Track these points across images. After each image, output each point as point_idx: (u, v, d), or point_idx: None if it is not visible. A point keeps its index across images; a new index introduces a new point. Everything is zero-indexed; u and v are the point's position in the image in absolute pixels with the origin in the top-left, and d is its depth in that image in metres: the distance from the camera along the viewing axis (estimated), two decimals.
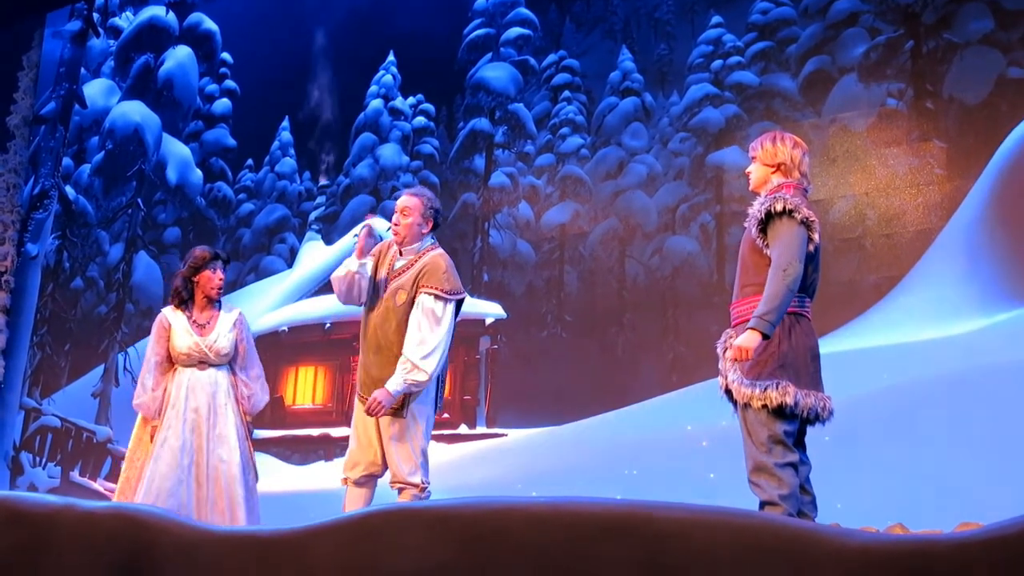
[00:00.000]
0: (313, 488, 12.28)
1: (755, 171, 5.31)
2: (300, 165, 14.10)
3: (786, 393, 4.86)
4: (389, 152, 13.16)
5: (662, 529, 2.70)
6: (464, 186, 12.27)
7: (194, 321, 6.91)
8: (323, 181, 13.85)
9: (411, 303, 5.89)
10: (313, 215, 13.76)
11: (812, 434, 5.25)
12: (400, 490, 5.94)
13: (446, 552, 2.86)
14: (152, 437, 6.77)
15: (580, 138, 11.54)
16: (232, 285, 14.32)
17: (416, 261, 6.01)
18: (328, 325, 12.66)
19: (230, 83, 15.17)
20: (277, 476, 13.16)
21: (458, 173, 12.38)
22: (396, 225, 6.06)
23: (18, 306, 16.04)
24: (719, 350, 5.24)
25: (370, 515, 3.10)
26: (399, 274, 6.01)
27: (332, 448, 12.78)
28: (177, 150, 15.26)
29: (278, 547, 3.20)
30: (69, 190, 16.09)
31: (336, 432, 12.76)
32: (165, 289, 14.87)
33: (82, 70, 16.42)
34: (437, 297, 5.87)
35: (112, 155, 15.76)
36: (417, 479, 5.89)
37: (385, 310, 5.99)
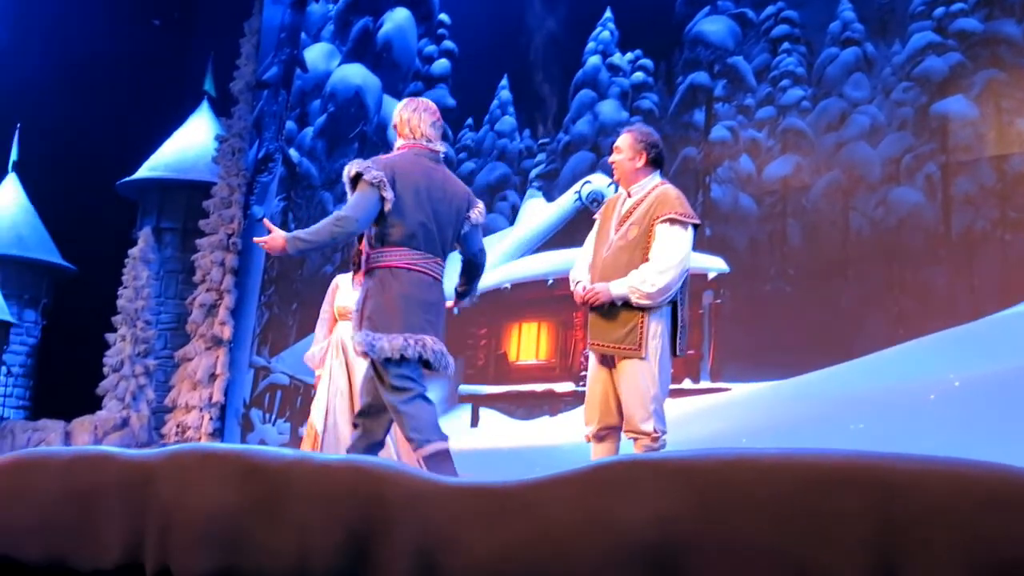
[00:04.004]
0: (538, 443, 13.12)
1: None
2: (519, 123, 14.97)
3: (376, 340, 5.73)
4: (608, 108, 13.86)
5: (896, 480, 2.76)
6: (684, 140, 12.87)
7: (357, 280, 7.89)
8: (543, 139, 14.69)
9: (645, 236, 6.02)
10: (534, 172, 14.65)
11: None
12: (634, 439, 6.02)
13: (679, 504, 2.99)
14: (315, 386, 7.88)
15: (801, 90, 11.98)
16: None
17: (645, 198, 6.14)
18: (551, 281, 13.37)
19: (448, 44, 16.19)
20: (502, 431, 14.08)
21: (678, 128, 12.97)
22: (612, 163, 6.34)
23: (246, 267, 17.36)
24: None
25: (602, 467, 3.26)
26: (629, 214, 6.15)
27: (556, 404, 13.61)
28: None
29: (511, 499, 3.35)
30: (293, 153, 17.39)
31: (560, 388, 13.61)
32: None
33: (302, 35, 17.62)
34: (673, 221, 5.98)
35: (334, 118, 17.01)
36: (649, 427, 5.93)
37: (616, 250, 6.11)
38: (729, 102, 12.60)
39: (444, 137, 6.34)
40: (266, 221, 6.11)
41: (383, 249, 5.87)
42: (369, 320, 5.80)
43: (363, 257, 5.94)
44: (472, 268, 6.44)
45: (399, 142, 6.10)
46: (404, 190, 5.81)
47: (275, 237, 5.71)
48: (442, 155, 6.18)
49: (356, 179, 5.83)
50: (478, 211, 6.23)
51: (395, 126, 6.16)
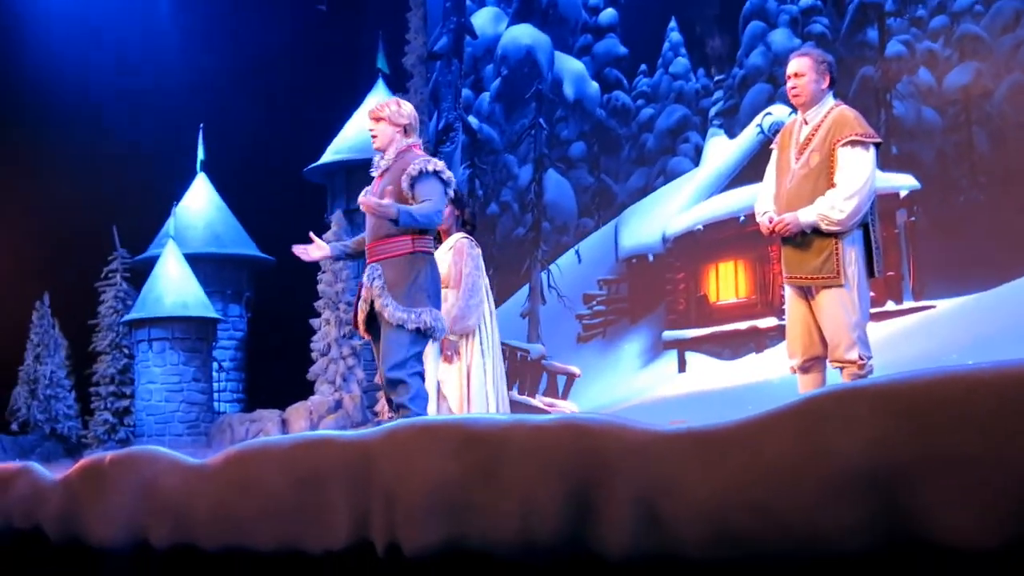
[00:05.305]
0: (747, 381, 13.80)
1: (381, 129, 6.84)
2: (692, 63, 15.71)
3: (428, 317, 6.61)
4: (780, 37, 14.49)
5: None
6: (860, 60, 13.41)
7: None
8: (718, 76, 15.38)
9: (827, 162, 6.18)
10: (713, 111, 15.40)
11: None
12: (841, 368, 6.24)
13: (894, 428, 3.09)
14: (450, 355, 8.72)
15: None
16: (643, 191, 16.16)
17: (822, 123, 6.26)
18: (742, 218, 13.96)
19: None
20: (710, 373, 14.84)
21: (852, 48, 13.52)
22: (793, 89, 6.39)
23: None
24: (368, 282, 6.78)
25: (812, 399, 3.36)
26: (808, 141, 6.28)
27: (762, 340, 14.34)
28: (570, 66, 17.31)
29: (726, 440, 3.49)
30: (472, 120, 18.49)
31: (763, 323, 14.34)
32: (578, 204, 16.97)
33: (468, 1, 18.60)
34: (854, 143, 6.13)
35: (508, 80, 18.01)
36: (854, 355, 6.14)
37: (799, 179, 6.29)
38: (901, 16, 13.07)
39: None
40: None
41: (422, 237, 6.74)
42: (430, 299, 6.74)
43: (411, 240, 6.70)
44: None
45: (409, 140, 6.93)
46: None
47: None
48: None
49: (432, 174, 6.76)
50: None
51: (407, 126, 6.93)
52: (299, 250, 7.22)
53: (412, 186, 6.64)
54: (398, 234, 6.66)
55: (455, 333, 7.90)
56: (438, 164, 6.75)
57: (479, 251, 8.22)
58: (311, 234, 7.34)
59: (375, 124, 6.86)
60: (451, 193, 6.88)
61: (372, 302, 6.75)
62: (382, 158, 6.85)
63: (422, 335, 6.72)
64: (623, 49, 16.59)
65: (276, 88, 21.55)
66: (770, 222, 6.35)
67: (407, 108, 6.96)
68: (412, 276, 6.69)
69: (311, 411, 18.93)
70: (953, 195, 12.37)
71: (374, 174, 6.89)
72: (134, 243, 22.60)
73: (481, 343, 8.24)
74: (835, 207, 6.06)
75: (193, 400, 21.18)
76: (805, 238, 6.21)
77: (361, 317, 6.85)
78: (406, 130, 6.87)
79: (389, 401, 6.88)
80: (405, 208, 6.50)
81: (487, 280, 8.43)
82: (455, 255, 7.84)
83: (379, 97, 20.45)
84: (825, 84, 6.33)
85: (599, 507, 3.74)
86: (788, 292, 6.51)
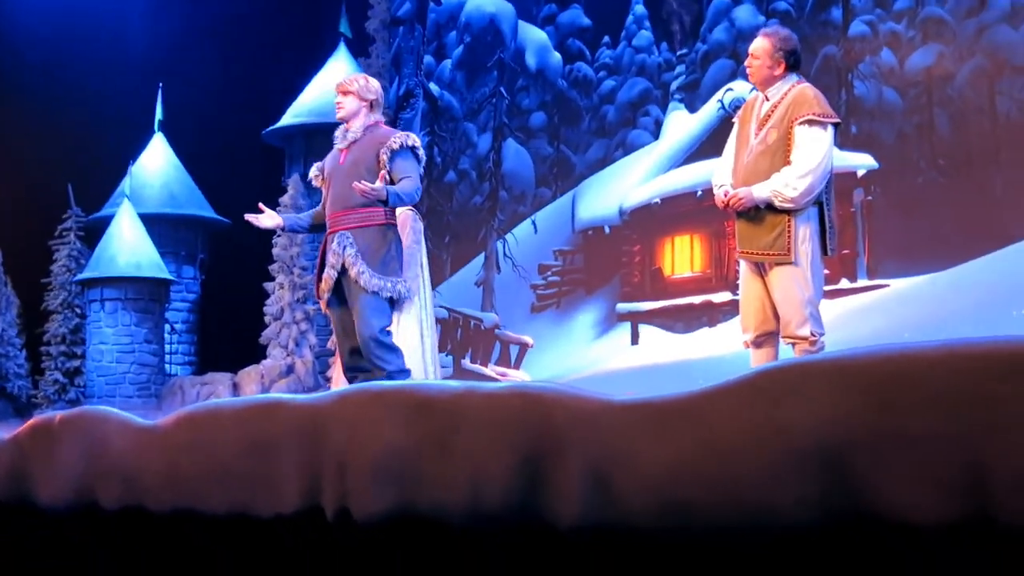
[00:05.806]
0: (699, 356, 13.75)
1: (348, 103, 6.96)
2: (656, 36, 15.75)
3: (402, 288, 6.81)
4: (744, 13, 14.54)
5: None
6: (823, 39, 13.51)
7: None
8: (681, 50, 15.38)
9: (784, 139, 6.17)
10: (674, 85, 15.41)
11: None
12: (793, 344, 6.27)
13: (846, 402, 3.08)
14: None
15: None
16: (601, 162, 16.19)
17: (782, 100, 6.25)
18: (700, 193, 13.93)
19: None
20: (662, 346, 14.88)
21: (816, 27, 13.61)
22: (749, 68, 6.42)
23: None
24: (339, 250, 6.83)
25: (765, 373, 3.36)
26: (767, 117, 6.27)
27: (715, 314, 14.41)
28: (534, 36, 17.29)
29: (677, 411, 3.48)
30: (433, 87, 18.42)
31: (717, 298, 14.41)
32: (536, 174, 16.97)
33: None
34: (812, 123, 6.12)
35: (471, 48, 17.97)
36: (806, 331, 6.16)
37: (757, 155, 6.30)
38: None
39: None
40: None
41: (392, 209, 6.88)
42: (400, 269, 6.92)
43: (383, 212, 6.79)
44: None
45: (375, 115, 7.04)
46: None
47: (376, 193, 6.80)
48: None
49: (409, 149, 6.87)
50: None
51: (373, 102, 7.04)
52: (251, 217, 7.21)
53: (391, 159, 6.71)
54: (372, 204, 6.69)
55: None
56: (415, 140, 6.86)
57: (421, 225, 8.51)
58: (260, 204, 7.29)
59: (343, 97, 6.97)
60: (422, 169, 6.94)
61: (342, 270, 6.79)
62: (347, 131, 6.91)
63: (392, 304, 6.85)
64: (587, 20, 16.66)
65: (237, 49, 21.35)
66: (725, 195, 6.36)
67: (374, 84, 7.08)
68: (386, 246, 6.81)
69: (263, 375, 18.89)
70: (912, 176, 12.49)
71: (340, 146, 6.92)
72: (89, 202, 22.39)
73: (419, 317, 8.42)
74: (789, 184, 6.06)
75: (144, 362, 21.07)
76: (758, 213, 6.22)
77: (329, 284, 6.85)
78: (372, 105, 6.98)
79: (353, 368, 6.91)
80: (392, 189, 6.59)
81: (426, 254, 8.59)
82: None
83: (341, 61, 20.44)
84: (779, 71, 6.29)
85: (550, 476, 3.74)
86: (743, 267, 6.52)
